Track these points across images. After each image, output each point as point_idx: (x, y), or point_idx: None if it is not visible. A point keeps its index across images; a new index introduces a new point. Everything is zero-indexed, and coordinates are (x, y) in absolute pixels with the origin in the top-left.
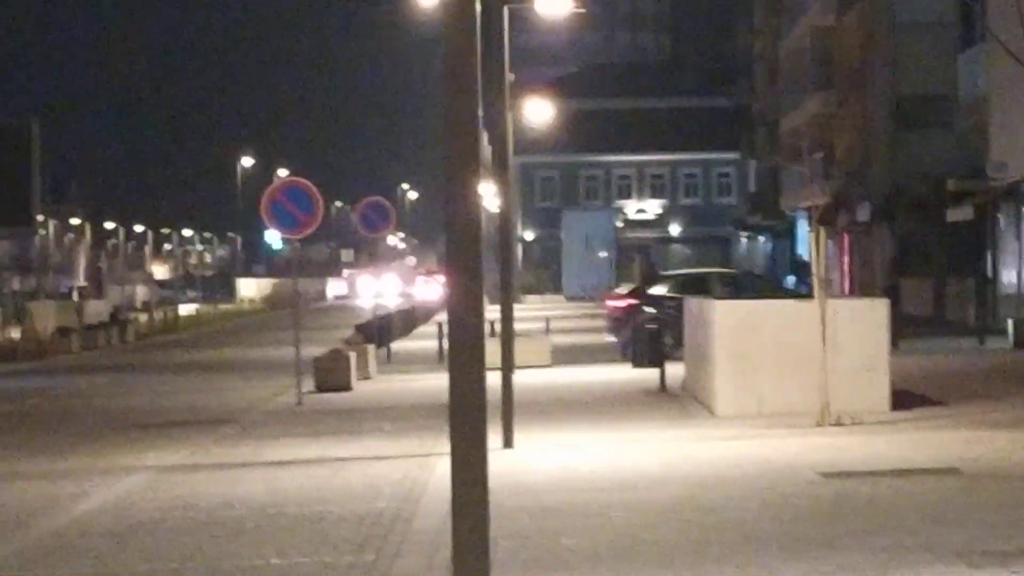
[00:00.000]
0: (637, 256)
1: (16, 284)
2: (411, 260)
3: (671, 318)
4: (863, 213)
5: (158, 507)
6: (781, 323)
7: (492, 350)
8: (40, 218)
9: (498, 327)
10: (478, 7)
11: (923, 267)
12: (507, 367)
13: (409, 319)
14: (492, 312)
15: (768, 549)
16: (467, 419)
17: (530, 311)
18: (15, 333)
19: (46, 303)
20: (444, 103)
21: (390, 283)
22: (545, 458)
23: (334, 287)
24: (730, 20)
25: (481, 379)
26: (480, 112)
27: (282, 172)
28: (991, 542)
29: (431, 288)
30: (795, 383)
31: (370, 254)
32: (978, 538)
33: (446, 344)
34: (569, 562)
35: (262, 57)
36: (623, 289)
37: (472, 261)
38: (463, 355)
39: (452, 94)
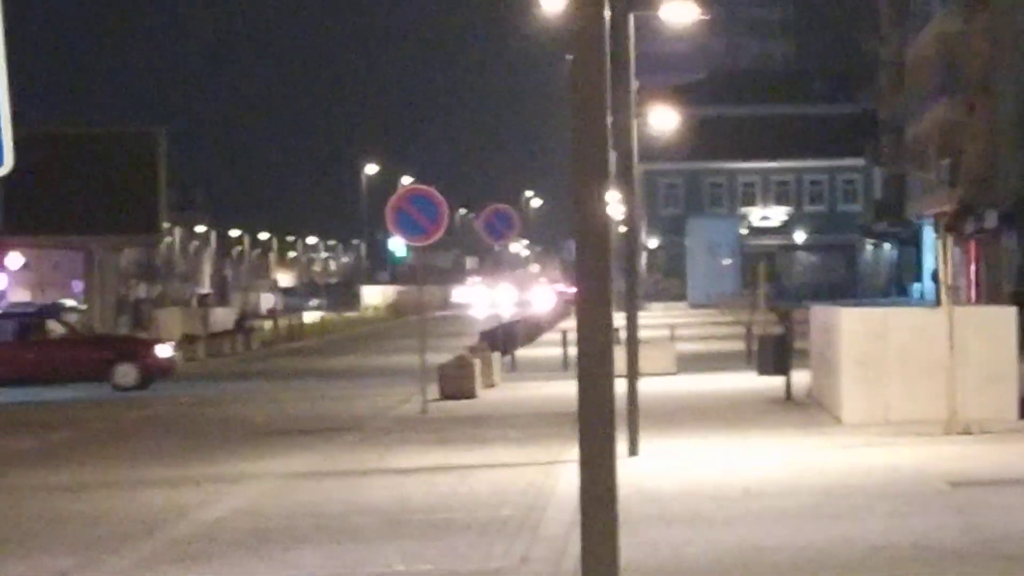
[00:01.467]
0: (761, 263)
1: (142, 291)
2: (534, 268)
3: None
4: (990, 220)
5: (285, 514)
6: (908, 331)
7: (617, 357)
8: (166, 225)
9: (623, 335)
10: (607, 15)
11: None
12: (632, 374)
13: (533, 326)
14: (617, 320)
15: (896, 558)
16: (596, 427)
17: (654, 319)
18: None
19: (172, 311)
20: (572, 112)
21: (506, 292)
22: (670, 466)
23: (459, 295)
24: (856, 26)
25: (610, 387)
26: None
27: (406, 179)
28: None
29: (548, 297)
30: (922, 391)
31: (494, 262)
32: None
33: (571, 351)
34: (695, 571)
35: (386, 64)
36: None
37: (601, 269)
38: (592, 363)
39: (581, 103)
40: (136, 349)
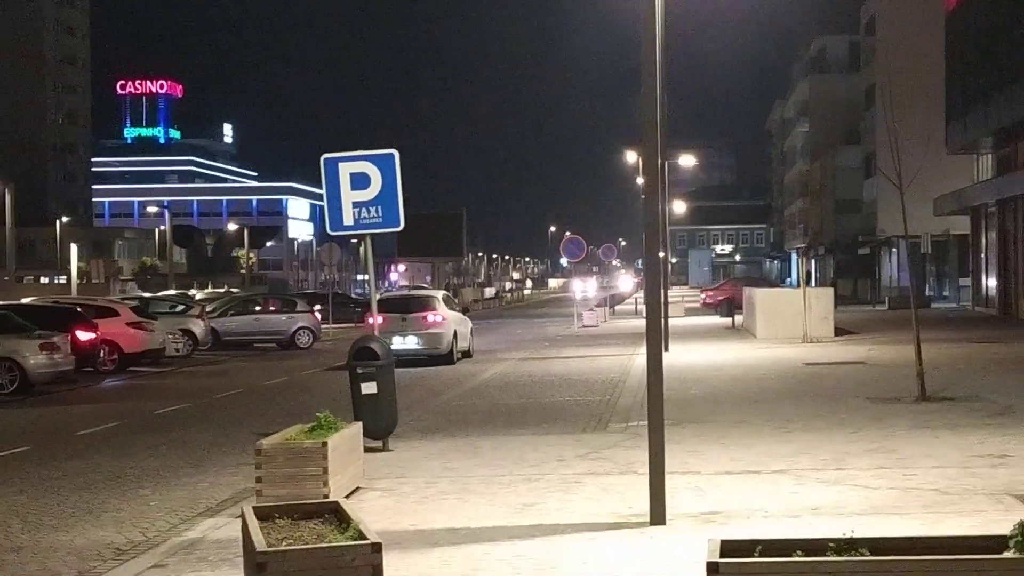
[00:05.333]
0: (722, 269)
1: (454, 281)
2: (623, 272)
3: None
4: (820, 250)
5: (518, 375)
6: (787, 297)
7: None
8: (464, 253)
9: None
10: (660, 162)
11: (857, 273)
12: (665, 316)
13: (618, 296)
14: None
15: (780, 396)
16: (653, 338)
17: (674, 293)
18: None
19: (467, 290)
20: (644, 203)
21: (591, 285)
22: (682, 355)
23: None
24: (762, 165)
25: (659, 320)
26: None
27: (567, 232)
28: (882, 393)
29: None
30: (793, 324)
31: (603, 270)
32: (872, 391)
33: (640, 307)
34: (694, 401)
35: (557, 173)
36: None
37: (657, 273)
38: (652, 310)
39: (648, 202)
40: None
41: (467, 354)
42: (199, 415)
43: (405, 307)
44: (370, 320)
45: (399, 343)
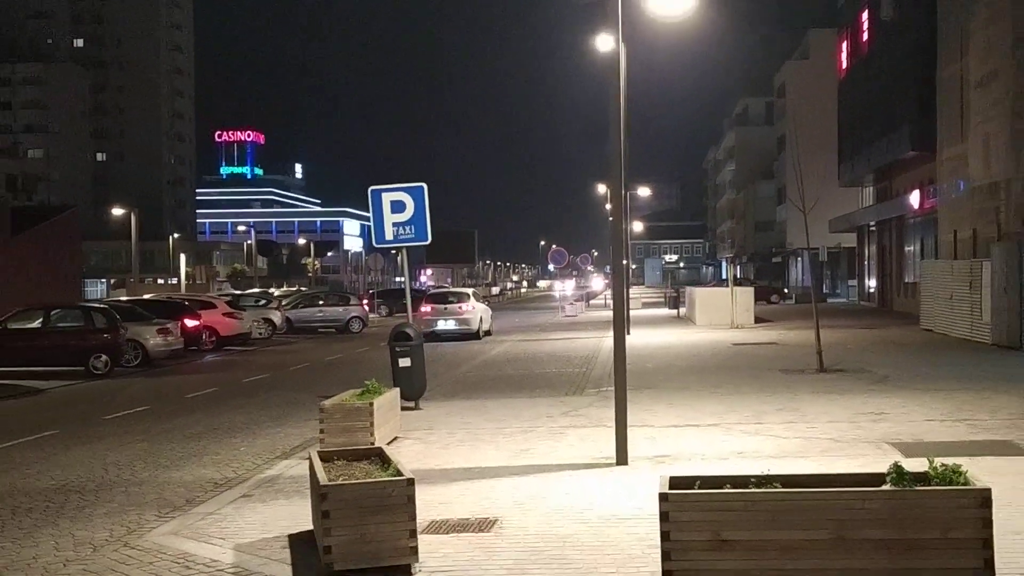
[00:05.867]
0: (670, 272)
1: (468, 283)
2: (596, 275)
3: None
4: (744, 259)
5: (517, 352)
6: (718, 294)
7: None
8: (477, 261)
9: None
10: (623, 192)
11: (771, 276)
12: (627, 308)
13: (591, 294)
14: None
15: (713, 368)
16: (618, 324)
17: (633, 290)
18: None
19: (480, 288)
20: (612, 225)
21: (570, 284)
22: (640, 338)
23: (562, 285)
24: (700, 195)
25: (623, 311)
26: (623, 227)
27: (555, 244)
28: (790, 366)
29: (601, 284)
30: (723, 314)
31: (580, 273)
32: (782, 364)
33: (610, 301)
34: (648, 372)
35: (554, 208)
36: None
37: (621, 277)
38: (617, 303)
39: (615, 221)
40: None
41: (488, 332)
42: (277, 383)
43: (446, 299)
44: (422, 308)
45: (442, 324)
